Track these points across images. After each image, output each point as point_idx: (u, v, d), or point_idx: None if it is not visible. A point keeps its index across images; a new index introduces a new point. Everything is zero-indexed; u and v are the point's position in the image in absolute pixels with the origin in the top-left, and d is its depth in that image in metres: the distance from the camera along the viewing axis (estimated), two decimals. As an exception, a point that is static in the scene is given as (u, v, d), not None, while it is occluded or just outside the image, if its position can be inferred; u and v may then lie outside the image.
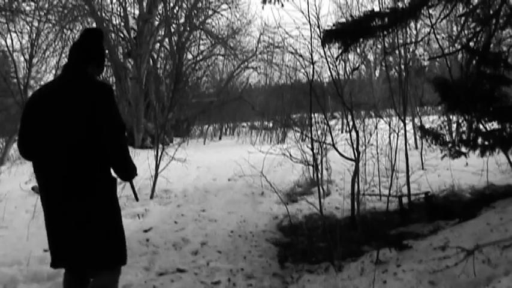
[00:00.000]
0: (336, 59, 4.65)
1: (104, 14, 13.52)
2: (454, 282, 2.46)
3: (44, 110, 2.16)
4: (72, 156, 2.08)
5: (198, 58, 17.87)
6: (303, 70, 4.74)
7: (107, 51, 13.58)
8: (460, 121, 4.85)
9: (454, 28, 10.10)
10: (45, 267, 3.43)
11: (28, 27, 12.02)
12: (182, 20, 16.42)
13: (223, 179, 7.93)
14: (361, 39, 4.27)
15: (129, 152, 2.27)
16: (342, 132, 10.03)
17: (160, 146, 6.84)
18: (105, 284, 2.23)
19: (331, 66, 4.63)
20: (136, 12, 14.72)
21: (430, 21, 4.41)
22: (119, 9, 14.53)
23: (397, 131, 5.40)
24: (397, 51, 7.14)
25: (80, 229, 2.11)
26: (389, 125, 5.77)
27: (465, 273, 2.45)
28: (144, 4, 14.44)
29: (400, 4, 4.36)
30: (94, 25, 13.73)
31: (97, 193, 2.14)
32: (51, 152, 2.12)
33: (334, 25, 4.31)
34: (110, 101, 2.16)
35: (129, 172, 2.29)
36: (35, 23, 11.91)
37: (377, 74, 19.55)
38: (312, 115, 5.05)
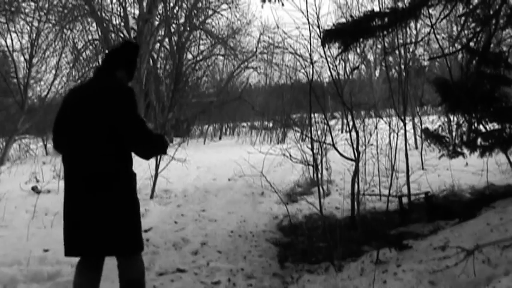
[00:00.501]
0: (335, 58, 4.66)
1: (104, 14, 13.53)
2: (454, 282, 2.46)
3: (72, 108, 2.37)
4: (94, 152, 2.26)
5: (198, 58, 17.88)
6: (302, 70, 4.75)
7: (107, 51, 13.58)
8: (461, 122, 4.85)
9: (454, 28, 10.10)
10: (45, 267, 3.43)
11: (28, 27, 12.04)
12: (182, 20, 16.43)
13: (223, 179, 7.93)
14: (361, 39, 4.27)
15: (153, 138, 2.42)
16: (342, 132, 10.04)
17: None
18: (136, 279, 2.39)
19: (331, 66, 4.63)
20: (136, 12, 14.73)
21: (430, 21, 4.41)
22: (119, 9, 14.54)
23: (397, 131, 5.40)
24: (397, 51, 7.15)
25: (101, 219, 2.25)
26: (389, 125, 5.76)
27: (465, 273, 2.45)
28: (144, 4, 14.44)
29: (400, 4, 4.36)
30: (94, 25, 13.75)
31: (117, 187, 2.29)
32: (76, 148, 2.30)
33: (334, 25, 4.31)
34: (129, 101, 2.32)
35: (160, 150, 2.55)
36: (35, 23, 11.93)
37: (377, 74, 19.56)
38: (312, 115, 5.04)
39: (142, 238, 2.43)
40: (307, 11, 4.15)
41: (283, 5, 4.87)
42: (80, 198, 2.28)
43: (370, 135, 5.68)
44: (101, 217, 2.24)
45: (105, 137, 2.25)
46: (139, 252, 2.42)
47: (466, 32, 5.19)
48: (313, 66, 4.27)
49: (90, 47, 14.24)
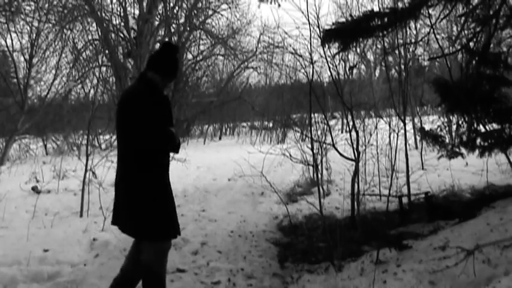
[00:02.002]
0: (333, 57, 4.66)
1: (104, 14, 13.50)
2: (454, 282, 2.46)
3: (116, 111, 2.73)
4: (124, 150, 2.58)
5: (198, 58, 17.86)
6: (302, 70, 4.75)
7: (107, 51, 13.57)
8: (460, 122, 4.85)
9: (454, 28, 10.10)
10: (45, 267, 3.43)
11: (28, 27, 12.05)
12: (182, 20, 16.41)
13: (223, 179, 7.93)
14: (361, 39, 4.27)
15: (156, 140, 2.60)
16: (342, 132, 10.04)
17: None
18: (147, 263, 2.57)
19: (331, 66, 4.63)
20: (136, 12, 14.69)
21: (430, 21, 4.42)
22: (119, 9, 14.50)
23: (397, 131, 5.40)
24: (397, 51, 7.15)
25: (127, 204, 2.55)
26: (389, 125, 5.77)
27: (465, 273, 2.45)
28: (144, 4, 14.41)
29: (399, 4, 4.36)
30: (94, 25, 13.73)
31: (140, 181, 2.53)
32: (118, 143, 2.68)
33: (333, 24, 4.32)
34: (139, 105, 2.50)
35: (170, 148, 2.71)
36: (35, 23, 11.93)
37: (377, 74, 19.54)
38: (312, 115, 5.04)
39: (164, 229, 2.58)
40: (307, 11, 4.15)
41: (279, 5, 4.90)
42: (120, 187, 2.63)
43: (370, 135, 5.68)
44: (127, 203, 2.55)
45: (130, 137, 2.54)
46: (157, 241, 2.58)
47: (465, 32, 5.19)
48: (313, 66, 4.28)
49: (90, 47, 14.23)
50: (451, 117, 5.78)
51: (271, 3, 4.95)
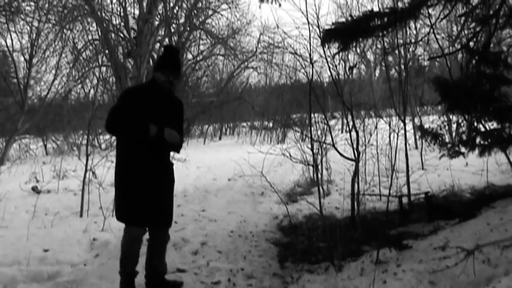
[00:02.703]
0: (333, 57, 4.66)
1: (104, 14, 13.48)
2: (454, 282, 2.46)
3: None
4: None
5: (198, 58, 17.85)
6: (302, 70, 4.75)
7: (107, 51, 13.57)
8: (460, 121, 4.85)
9: (454, 28, 10.10)
10: (45, 267, 3.43)
11: (28, 27, 12.05)
12: (182, 20, 16.40)
13: (223, 179, 7.93)
14: (360, 39, 4.27)
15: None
16: (342, 132, 10.04)
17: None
18: (121, 243, 3.00)
19: (331, 66, 4.62)
20: (136, 12, 14.68)
21: (430, 21, 4.41)
22: (119, 9, 14.48)
23: (397, 131, 5.40)
24: (397, 51, 7.15)
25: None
26: (389, 125, 5.77)
27: (465, 273, 2.45)
28: (144, 4, 14.40)
29: (400, 4, 4.36)
30: (94, 25, 13.72)
31: (116, 165, 2.97)
32: None
33: (333, 24, 4.32)
34: (125, 94, 3.01)
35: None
36: (35, 23, 11.93)
37: (377, 74, 19.54)
38: (312, 115, 5.04)
39: (121, 212, 2.91)
40: (307, 11, 4.15)
41: (280, 5, 4.90)
42: None
43: (370, 135, 5.68)
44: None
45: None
46: (124, 223, 2.92)
47: (465, 32, 5.19)
48: (313, 66, 4.26)
49: (90, 47, 14.22)
50: (451, 116, 5.78)
51: (271, 3, 4.95)
